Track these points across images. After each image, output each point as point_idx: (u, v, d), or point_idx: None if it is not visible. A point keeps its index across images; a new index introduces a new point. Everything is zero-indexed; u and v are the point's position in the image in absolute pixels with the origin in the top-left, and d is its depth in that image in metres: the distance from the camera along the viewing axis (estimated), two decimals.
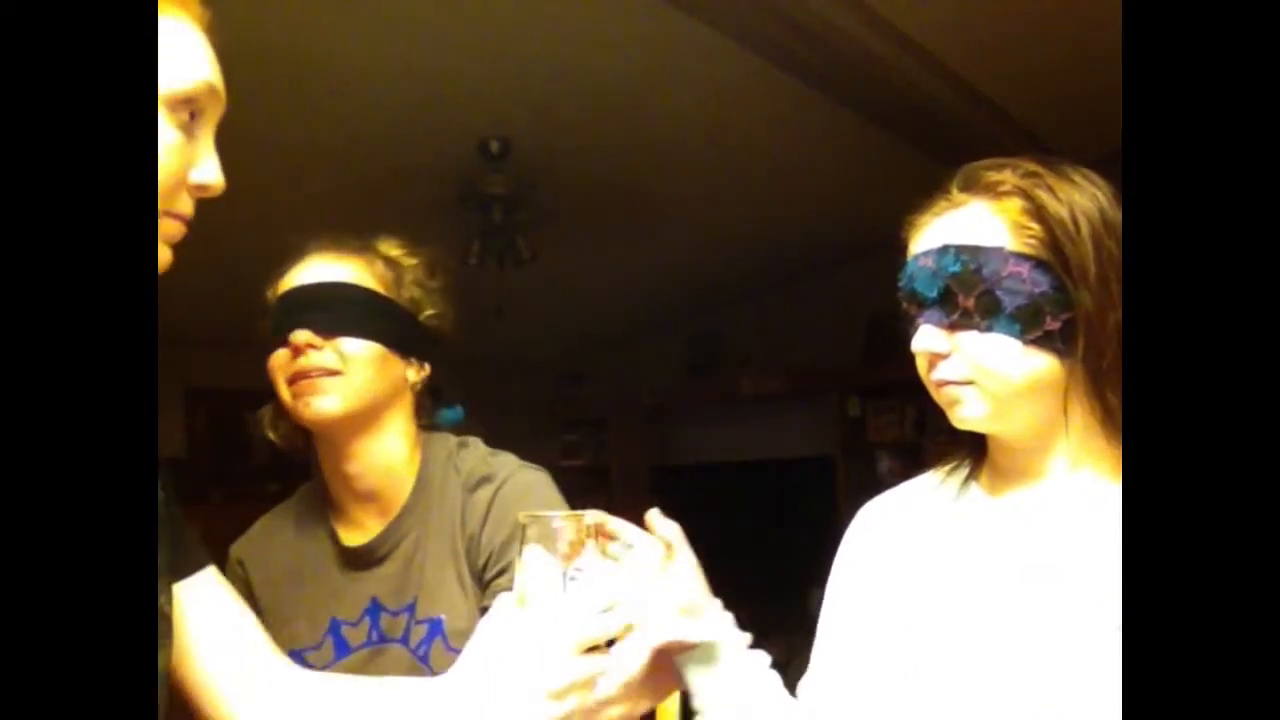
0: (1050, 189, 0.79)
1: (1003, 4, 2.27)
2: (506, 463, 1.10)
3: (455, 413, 1.19)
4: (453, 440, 1.13)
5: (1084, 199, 0.79)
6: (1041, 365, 0.77)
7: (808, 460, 4.28)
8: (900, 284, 0.83)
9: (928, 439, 3.78)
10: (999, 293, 0.76)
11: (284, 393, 1.03)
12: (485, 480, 1.07)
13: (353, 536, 1.09)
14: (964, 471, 0.90)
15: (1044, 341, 0.76)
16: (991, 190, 0.80)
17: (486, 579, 1.03)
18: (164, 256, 0.68)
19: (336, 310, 1.02)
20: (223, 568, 0.83)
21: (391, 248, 1.12)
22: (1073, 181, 0.80)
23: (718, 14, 2.17)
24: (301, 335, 1.00)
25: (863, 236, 3.93)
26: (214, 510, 3.63)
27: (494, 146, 2.72)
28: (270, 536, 1.14)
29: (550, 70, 2.41)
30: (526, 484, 1.07)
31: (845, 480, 4.08)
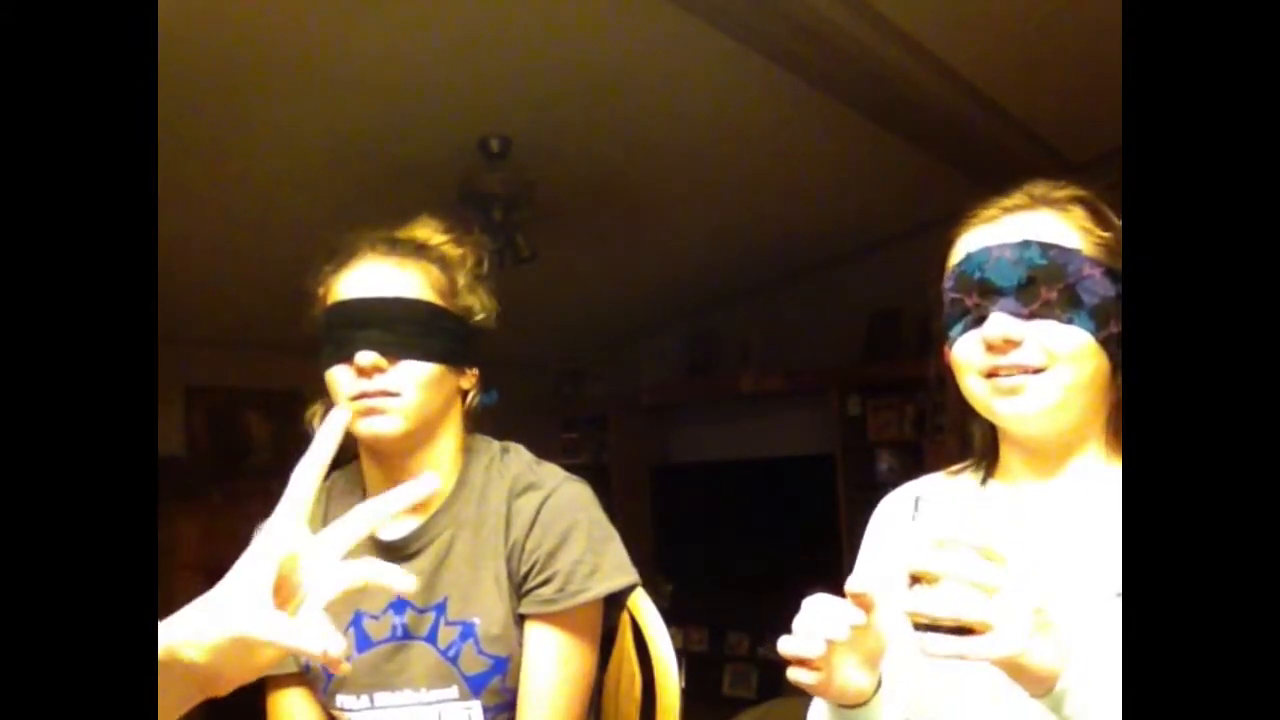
0: (1099, 201, 0.85)
1: (1004, 3, 2.27)
2: (553, 472, 1.11)
3: (490, 396, 1.18)
4: (496, 445, 1.14)
5: (1114, 212, 0.84)
6: (1102, 365, 0.80)
7: (808, 459, 4.28)
8: (962, 272, 0.84)
9: (927, 437, 3.79)
10: (1080, 290, 0.79)
11: (344, 406, 1.02)
12: (532, 488, 1.07)
13: (385, 530, 1.09)
14: (979, 472, 0.92)
15: (1108, 343, 0.80)
16: (1056, 204, 0.84)
17: (527, 587, 1.04)
18: None
19: (399, 330, 1.02)
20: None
21: (433, 233, 1.11)
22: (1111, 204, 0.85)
23: (718, 12, 2.16)
24: (368, 358, 1.00)
25: (863, 236, 3.94)
26: (214, 509, 3.62)
27: (494, 145, 2.72)
28: None
29: (550, 69, 2.41)
30: (573, 495, 1.08)
31: (845, 479, 4.08)
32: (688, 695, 1.25)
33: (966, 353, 0.83)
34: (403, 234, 1.11)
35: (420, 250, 1.10)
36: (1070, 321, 0.79)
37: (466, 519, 1.08)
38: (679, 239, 3.69)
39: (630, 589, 1.09)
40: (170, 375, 3.57)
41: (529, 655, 1.03)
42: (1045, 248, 0.80)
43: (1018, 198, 0.86)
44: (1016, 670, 0.66)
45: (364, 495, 1.12)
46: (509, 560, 1.05)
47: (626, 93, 2.58)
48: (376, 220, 1.14)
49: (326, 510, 1.13)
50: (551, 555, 1.03)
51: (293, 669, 1.09)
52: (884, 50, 2.39)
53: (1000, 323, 0.80)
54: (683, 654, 4.11)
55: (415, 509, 1.08)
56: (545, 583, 1.03)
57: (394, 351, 1.02)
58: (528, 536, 1.05)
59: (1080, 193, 0.85)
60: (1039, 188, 0.87)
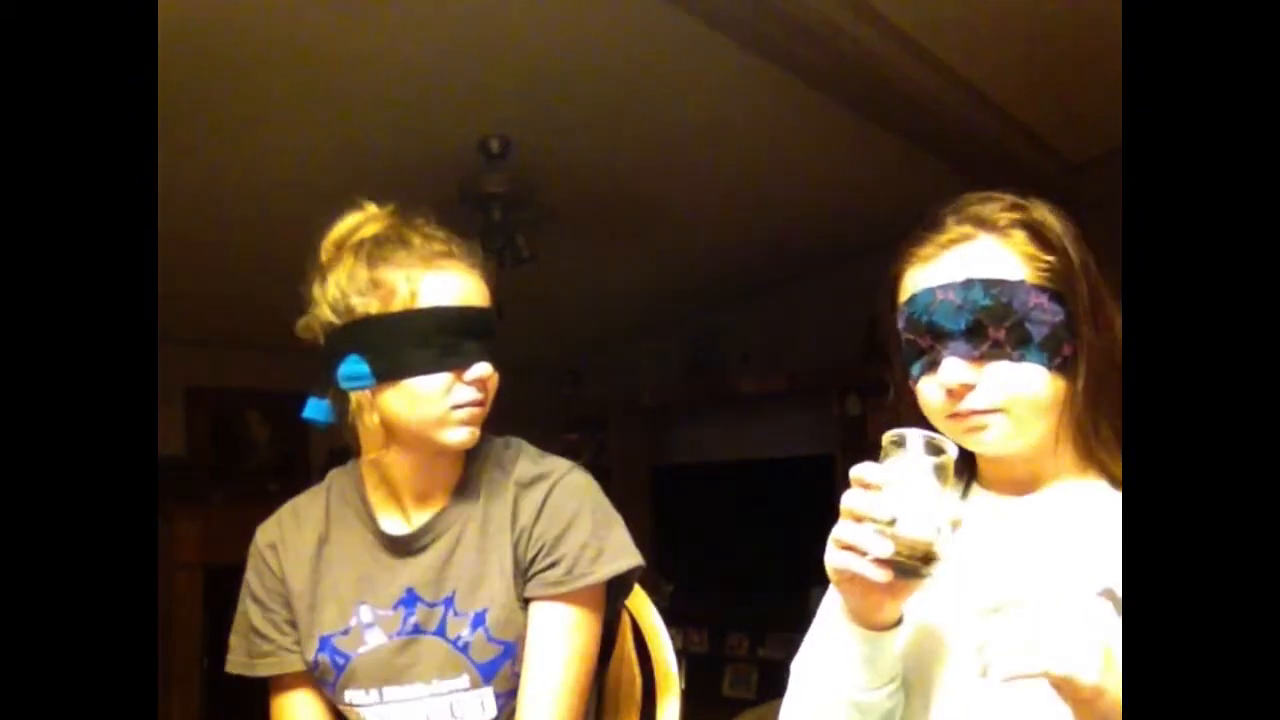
0: (1041, 222, 0.83)
1: (1004, 3, 2.27)
2: (559, 463, 1.13)
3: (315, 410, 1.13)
4: (497, 440, 1.15)
5: (1060, 222, 0.84)
6: (1059, 389, 0.81)
7: (808, 460, 4.28)
8: (910, 314, 0.84)
9: None
10: (1028, 324, 0.79)
11: (442, 411, 1.03)
12: (541, 478, 1.10)
13: (393, 524, 1.10)
14: (958, 485, 0.92)
15: (1062, 367, 0.80)
16: (994, 226, 0.83)
17: (533, 570, 1.06)
18: None
19: (487, 341, 1.05)
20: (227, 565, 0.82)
21: (471, 243, 1.11)
22: (1048, 208, 0.84)
23: (718, 13, 2.16)
24: (486, 370, 1.04)
25: (863, 236, 3.92)
26: (214, 510, 3.63)
27: (494, 145, 2.72)
28: (300, 521, 1.13)
29: (550, 70, 2.41)
30: (578, 483, 1.11)
31: (845, 479, 4.07)
32: (688, 695, 1.25)
33: (929, 394, 0.84)
34: (457, 244, 1.09)
35: (473, 251, 1.10)
36: (1022, 359, 0.79)
37: (473, 512, 1.09)
38: (679, 239, 3.69)
39: (635, 571, 1.10)
40: (170, 375, 3.57)
41: (533, 632, 1.05)
42: (989, 285, 0.80)
43: (953, 230, 0.83)
44: (1076, 698, 0.65)
45: (361, 497, 1.12)
46: (516, 547, 1.07)
47: (626, 93, 2.58)
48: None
49: (330, 503, 1.13)
50: (558, 540, 1.05)
51: (299, 668, 1.09)
52: (884, 50, 2.39)
53: (953, 371, 0.80)
54: (683, 654, 4.10)
55: (421, 504, 1.09)
56: (551, 566, 1.05)
57: (490, 361, 1.05)
58: (535, 523, 1.06)
59: (1022, 215, 0.83)
60: (978, 206, 0.85)
